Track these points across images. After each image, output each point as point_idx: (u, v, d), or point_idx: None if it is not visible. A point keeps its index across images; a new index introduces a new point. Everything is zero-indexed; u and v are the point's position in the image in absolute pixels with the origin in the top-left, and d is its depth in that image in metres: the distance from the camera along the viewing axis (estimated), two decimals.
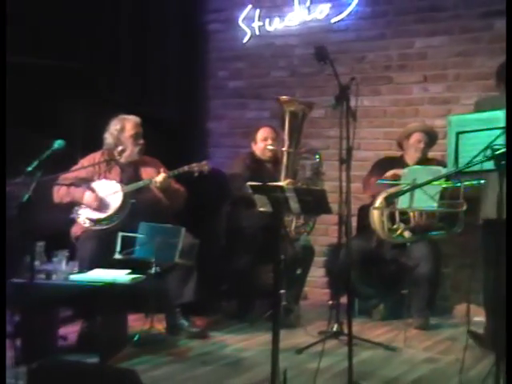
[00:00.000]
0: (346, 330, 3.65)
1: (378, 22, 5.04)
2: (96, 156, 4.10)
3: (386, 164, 4.47)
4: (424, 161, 4.35)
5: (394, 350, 3.67)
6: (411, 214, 4.13)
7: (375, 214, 4.13)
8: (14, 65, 4.38)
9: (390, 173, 4.24)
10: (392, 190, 4.02)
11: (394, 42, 4.98)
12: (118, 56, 5.38)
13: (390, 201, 3.89)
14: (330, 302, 4.03)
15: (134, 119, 4.09)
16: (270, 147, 4.45)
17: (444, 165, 3.64)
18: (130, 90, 5.35)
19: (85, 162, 4.08)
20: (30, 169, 2.95)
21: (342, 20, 5.14)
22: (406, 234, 4.11)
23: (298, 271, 4.11)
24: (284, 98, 4.36)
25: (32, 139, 4.07)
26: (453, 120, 2.96)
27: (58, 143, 3.12)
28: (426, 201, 3.69)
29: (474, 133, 2.77)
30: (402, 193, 3.54)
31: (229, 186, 4.50)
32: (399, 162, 4.42)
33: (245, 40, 5.54)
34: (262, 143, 4.49)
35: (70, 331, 3.73)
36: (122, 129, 4.06)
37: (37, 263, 3.23)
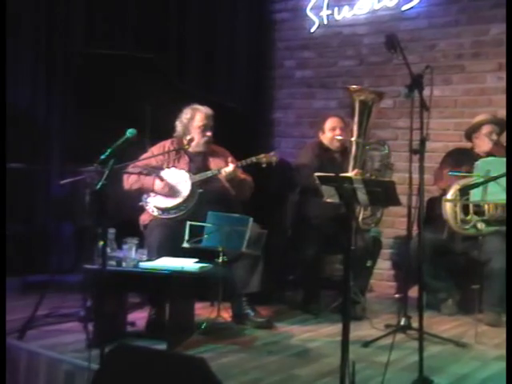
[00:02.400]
0: (414, 324, 3.62)
1: (451, 8, 4.91)
2: (166, 144, 4.13)
3: (457, 155, 4.37)
4: (496, 151, 4.23)
5: (463, 347, 3.59)
6: (485, 206, 4.02)
7: (448, 206, 4.04)
8: (87, 55, 4.50)
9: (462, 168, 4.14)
10: (465, 181, 3.93)
11: (467, 28, 4.84)
12: (187, 45, 5.44)
13: (463, 193, 3.80)
14: (397, 295, 3.97)
15: (205, 110, 4.09)
16: (339, 137, 4.41)
17: None
18: (199, 78, 5.41)
19: (155, 150, 4.12)
20: (103, 157, 3.00)
21: (412, 7, 5.03)
22: (480, 225, 4.01)
23: (368, 263, 4.06)
24: (354, 87, 4.32)
25: (105, 127, 4.16)
26: None
27: (130, 132, 3.14)
28: (499, 193, 3.57)
29: None
30: (477, 185, 3.44)
31: (295, 176, 4.49)
32: (470, 154, 4.32)
33: (312, 29, 5.51)
34: (331, 133, 4.45)
35: (138, 317, 3.80)
36: (192, 118, 4.07)
37: (108, 250, 3.29)
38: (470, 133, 4.42)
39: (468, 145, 4.49)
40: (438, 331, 3.81)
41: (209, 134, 4.10)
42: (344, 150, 4.44)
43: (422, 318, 3.04)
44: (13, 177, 4.79)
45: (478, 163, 3.81)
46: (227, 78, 5.63)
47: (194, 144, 4.10)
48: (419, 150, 3.09)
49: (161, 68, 4.35)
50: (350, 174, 4.11)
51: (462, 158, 4.23)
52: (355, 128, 4.27)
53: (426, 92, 3.25)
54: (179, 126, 4.11)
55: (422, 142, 3.08)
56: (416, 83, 3.21)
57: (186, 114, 4.10)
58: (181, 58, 5.42)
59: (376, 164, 4.34)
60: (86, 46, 4.89)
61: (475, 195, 3.62)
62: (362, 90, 4.29)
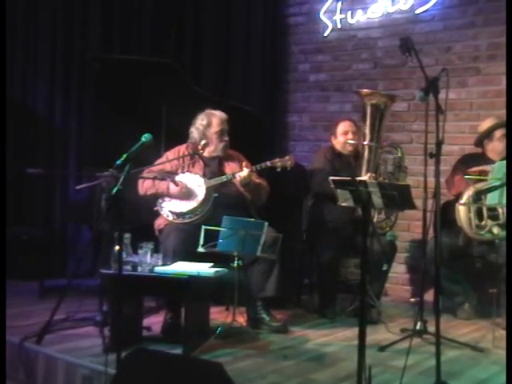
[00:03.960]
0: (430, 329, 3.59)
1: (467, 10, 4.88)
2: (181, 149, 4.12)
3: (469, 161, 4.34)
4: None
5: (481, 351, 3.56)
6: (500, 209, 3.98)
7: (462, 211, 4.01)
8: (104, 60, 4.53)
9: (476, 168, 4.10)
10: (480, 185, 3.89)
11: (483, 30, 4.81)
12: (203, 49, 5.47)
13: (477, 197, 3.76)
14: (413, 299, 3.95)
15: (220, 115, 4.09)
16: (351, 141, 4.39)
17: None
18: (214, 82, 5.43)
19: (170, 154, 4.11)
20: (118, 162, 3.01)
21: (427, 10, 5.01)
22: (496, 230, 3.97)
23: (384, 267, 4.04)
24: (365, 90, 4.32)
25: (121, 132, 4.18)
26: None
27: (145, 137, 3.16)
28: None
29: None
30: (494, 188, 3.41)
31: (310, 181, 4.48)
32: (482, 159, 4.28)
33: (326, 33, 5.51)
34: (343, 137, 4.44)
35: (154, 322, 3.80)
36: (209, 124, 4.06)
37: (124, 255, 3.29)
38: (482, 139, 4.38)
39: (480, 150, 4.44)
40: (455, 336, 3.79)
41: (226, 138, 4.10)
42: (357, 153, 4.43)
43: (438, 322, 3.01)
44: (31, 182, 4.84)
45: (495, 166, 3.79)
46: (242, 82, 5.64)
47: (210, 149, 4.10)
48: (435, 154, 3.07)
49: (177, 72, 4.35)
50: (364, 177, 4.09)
51: (473, 163, 4.19)
52: (367, 131, 4.27)
53: (442, 95, 3.23)
54: (195, 132, 4.10)
55: (438, 145, 3.07)
56: (431, 86, 3.19)
57: (201, 120, 4.09)
58: (196, 63, 5.45)
59: (389, 167, 4.34)
60: (102, 50, 4.93)
61: (492, 199, 3.59)
62: (374, 94, 4.28)
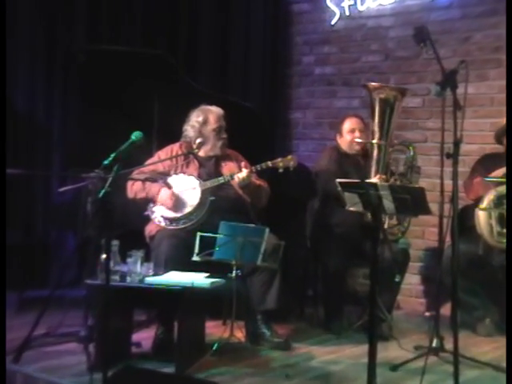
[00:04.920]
0: (447, 346, 3.58)
1: None
2: (174, 148, 4.13)
3: (488, 162, 4.34)
4: None
5: (503, 371, 3.53)
6: None
7: (481, 216, 4.01)
8: (90, 52, 4.52)
9: (498, 172, 4.09)
10: (501, 188, 3.88)
11: (505, 18, 4.79)
12: (199, 41, 5.45)
13: (499, 201, 3.75)
14: (428, 313, 3.94)
15: (217, 111, 4.09)
16: (358, 140, 4.39)
17: None
18: (211, 76, 5.42)
19: (162, 154, 4.12)
20: (106, 162, 3.00)
21: None
22: None
23: (396, 278, 4.03)
24: (373, 84, 4.31)
25: (109, 130, 4.17)
26: None
27: (135, 135, 3.15)
28: None
29: None
30: None
31: (315, 183, 4.48)
32: (503, 158, 4.26)
33: (333, 21, 5.50)
34: (349, 135, 4.43)
35: (144, 337, 3.79)
36: (205, 121, 4.07)
37: (111, 263, 3.28)
38: (501, 135, 4.37)
39: (501, 149, 4.43)
40: (475, 354, 3.76)
41: (224, 136, 4.11)
42: (365, 153, 4.43)
43: (456, 338, 3.00)
44: (10, 183, 4.82)
45: None
46: (241, 76, 5.63)
47: (207, 148, 4.10)
48: (452, 154, 3.06)
49: (170, 65, 4.35)
50: (374, 179, 4.09)
51: (493, 164, 4.19)
52: (376, 129, 4.25)
53: (460, 89, 3.23)
54: (190, 130, 4.10)
55: (456, 144, 3.06)
56: (448, 80, 3.19)
57: (196, 116, 4.09)
58: (192, 55, 5.43)
59: (401, 168, 4.33)
60: (88, 42, 4.91)
61: None
62: (383, 87, 4.27)
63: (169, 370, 3.26)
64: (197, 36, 5.48)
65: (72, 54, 4.77)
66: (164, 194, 3.94)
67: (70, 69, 4.92)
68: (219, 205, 3.94)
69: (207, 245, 3.59)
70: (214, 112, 4.09)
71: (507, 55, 4.09)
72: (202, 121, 4.07)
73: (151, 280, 3.46)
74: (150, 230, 4.03)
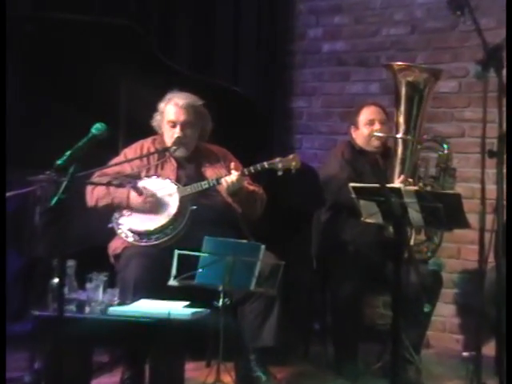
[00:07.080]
0: None
1: None
2: (145, 144, 4.16)
3: None
4: None
5: None
6: None
7: None
8: (38, 20, 4.51)
9: None
10: None
11: None
12: (177, 10, 5.44)
13: None
14: (465, 353, 3.94)
15: (180, 99, 4.07)
16: (378, 134, 4.41)
17: None
18: (193, 54, 5.41)
19: (129, 152, 4.14)
20: (60, 162, 2.99)
21: None
22: None
23: (426, 308, 4.03)
24: (399, 63, 4.34)
25: (63, 121, 4.15)
26: None
27: (96, 128, 3.14)
28: None
29: None
30: None
31: (322, 189, 4.51)
32: None
33: None
34: (367, 128, 4.48)
35: (107, 383, 3.80)
36: (163, 111, 4.09)
37: (65, 290, 3.28)
38: None
39: None
40: None
41: (179, 132, 4.06)
42: (386, 151, 4.48)
43: None
44: None
45: None
46: (231, 55, 5.63)
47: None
48: (496, 152, 3.07)
49: (140, 39, 4.35)
50: (397, 183, 4.11)
51: None
52: (401, 121, 4.28)
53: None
54: (155, 121, 4.16)
55: (501, 139, 3.06)
56: (492, 58, 3.19)
57: (161, 103, 4.12)
58: (169, 27, 5.42)
59: (431, 169, 4.36)
60: (37, 8, 4.90)
61: None
62: (411, 68, 4.30)
63: None
64: (176, 4, 5.47)
65: (16, 23, 4.76)
66: (136, 197, 3.95)
67: (13, 42, 4.91)
68: (202, 215, 3.96)
69: (187, 266, 3.59)
70: (175, 100, 4.08)
71: (507, 55, 4.11)
72: (161, 110, 4.11)
73: (116, 310, 3.45)
74: (114, 247, 4.04)
